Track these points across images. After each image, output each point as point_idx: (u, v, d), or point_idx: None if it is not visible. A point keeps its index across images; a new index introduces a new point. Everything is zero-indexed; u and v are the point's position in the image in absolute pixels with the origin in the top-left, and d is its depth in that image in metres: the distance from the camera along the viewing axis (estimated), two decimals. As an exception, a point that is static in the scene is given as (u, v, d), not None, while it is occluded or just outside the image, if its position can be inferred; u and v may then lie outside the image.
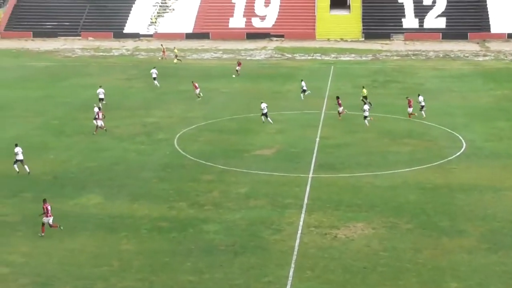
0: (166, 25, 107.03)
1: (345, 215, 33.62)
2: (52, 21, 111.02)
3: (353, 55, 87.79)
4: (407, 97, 53.92)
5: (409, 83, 68.61)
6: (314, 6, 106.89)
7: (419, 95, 54.56)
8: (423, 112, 52.81)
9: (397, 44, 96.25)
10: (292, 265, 28.28)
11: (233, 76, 70.64)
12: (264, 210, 34.36)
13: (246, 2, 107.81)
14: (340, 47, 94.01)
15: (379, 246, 30.08)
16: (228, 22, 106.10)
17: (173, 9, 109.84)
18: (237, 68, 72.24)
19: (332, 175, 39.72)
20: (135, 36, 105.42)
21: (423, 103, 53.18)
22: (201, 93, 60.47)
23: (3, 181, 38.62)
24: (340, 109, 52.51)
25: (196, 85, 60.97)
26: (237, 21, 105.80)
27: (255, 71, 75.50)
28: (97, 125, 49.10)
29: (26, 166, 40.31)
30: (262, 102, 51.93)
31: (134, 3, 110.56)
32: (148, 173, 40.26)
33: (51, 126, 51.54)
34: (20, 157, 40.41)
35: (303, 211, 34.06)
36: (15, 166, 40.31)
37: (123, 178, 39.33)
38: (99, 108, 50.99)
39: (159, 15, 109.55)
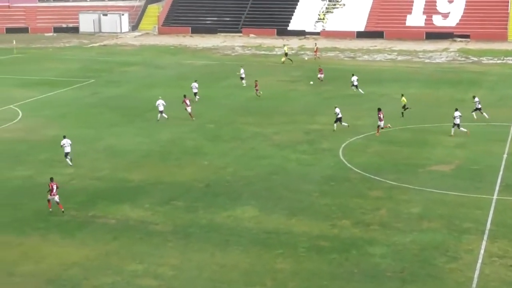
0: (335, 22, 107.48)
1: (536, 245, 32.15)
2: (211, 16, 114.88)
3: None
4: None
5: None
6: (508, 2, 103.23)
7: (474, 96, 55.68)
8: (473, 113, 54.08)
9: None
10: (470, 300, 27.46)
11: (311, 82, 69.29)
12: (438, 234, 33.58)
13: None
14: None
15: None
16: (405, 20, 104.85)
17: (344, 5, 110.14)
18: (319, 75, 70.42)
19: (521, 198, 38.15)
20: (300, 33, 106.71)
21: (479, 106, 54.11)
22: (260, 92, 62.95)
23: (155, 187, 40.40)
24: (381, 123, 50.51)
25: (257, 83, 63.58)
26: (415, 19, 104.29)
27: (434, 76, 74.04)
28: (189, 112, 55.45)
29: (68, 159, 44.30)
30: (336, 107, 52.60)
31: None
32: (309, 185, 40.58)
33: (206, 129, 53.27)
34: (67, 149, 44.34)
35: (485, 238, 32.94)
36: (67, 159, 44.29)
37: (281, 189, 39.89)
38: (185, 96, 56.85)
39: (328, 11, 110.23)
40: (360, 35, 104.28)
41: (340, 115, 52.12)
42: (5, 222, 35.04)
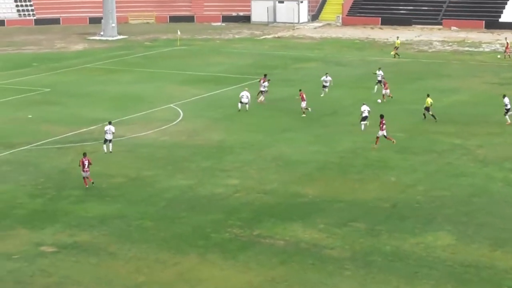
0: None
1: None
2: (406, 5, 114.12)
3: None
4: None
5: None
6: None
7: (504, 96, 56.92)
8: (507, 117, 55.94)
9: None
10: None
11: (378, 101, 64.60)
12: None
13: None
14: None
15: None
16: None
17: None
18: (384, 91, 64.36)
19: None
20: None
21: (508, 106, 55.88)
22: (308, 109, 60.09)
23: (332, 205, 40.57)
24: (383, 132, 50.83)
25: (304, 96, 60.35)
26: None
27: None
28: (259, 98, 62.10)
29: (111, 145, 49.41)
30: (363, 104, 55.24)
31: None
32: (518, 211, 39.51)
33: (394, 139, 52.76)
34: (109, 136, 49.29)
35: None
36: (104, 146, 49.37)
37: (483, 215, 38.99)
38: (265, 75, 64.28)
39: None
40: None
41: (365, 114, 54.34)
42: (161, 238, 36.31)
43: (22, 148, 51.16)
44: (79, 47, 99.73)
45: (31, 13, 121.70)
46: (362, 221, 38.24)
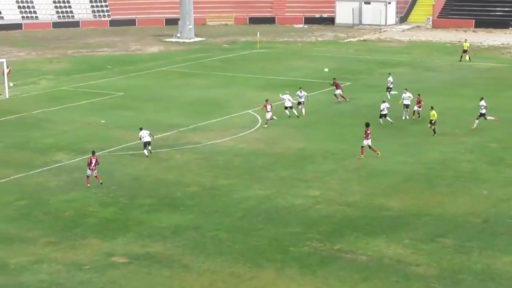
0: None
1: None
2: (503, 6, 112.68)
3: None
4: None
5: None
6: None
7: (482, 98, 57.80)
8: (477, 121, 56.94)
9: None
10: None
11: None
12: None
13: None
14: None
15: None
16: None
17: None
18: (416, 108, 60.52)
19: None
20: None
21: (483, 110, 56.93)
22: (274, 117, 59.39)
23: (418, 219, 40.24)
24: (368, 141, 50.35)
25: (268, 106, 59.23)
26: None
27: None
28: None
29: (148, 148, 50.52)
30: (384, 101, 58.60)
31: None
32: None
33: (488, 150, 52.27)
34: (147, 139, 50.48)
35: None
36: (145, 150, 50.57)
37: None
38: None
39: None
40: None
41: (384, 112, 57.93)
42: (237, 250, 36.47)
43: (95, 154, 52.02)
44: (155, 49, 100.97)
45: (106, 14, 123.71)
46: (451, 237, 37.88)
